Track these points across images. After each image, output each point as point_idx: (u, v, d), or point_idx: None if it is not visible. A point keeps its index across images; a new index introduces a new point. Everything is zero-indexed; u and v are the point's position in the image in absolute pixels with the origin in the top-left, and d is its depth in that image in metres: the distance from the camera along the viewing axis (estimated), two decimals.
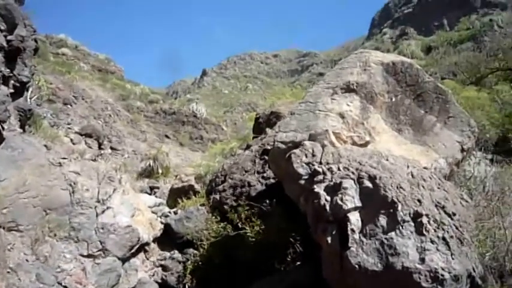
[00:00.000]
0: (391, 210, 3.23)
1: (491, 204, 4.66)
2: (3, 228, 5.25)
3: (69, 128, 15.24)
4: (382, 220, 3.24)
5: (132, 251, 6.37)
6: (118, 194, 6.97)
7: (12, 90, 6.81)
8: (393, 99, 5.04)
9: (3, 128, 6.05)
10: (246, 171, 7.17)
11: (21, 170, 5.94)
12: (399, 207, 3.22)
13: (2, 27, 6.09)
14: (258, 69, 73.41)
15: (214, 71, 73.15)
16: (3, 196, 5.46)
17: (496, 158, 7.82)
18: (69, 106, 17.14)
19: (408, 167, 3.75)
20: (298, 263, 4.73)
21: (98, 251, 5.89)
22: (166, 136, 22.27)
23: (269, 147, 6.35)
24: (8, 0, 6.30)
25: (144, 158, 15.74)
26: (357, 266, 3.10)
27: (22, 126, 7.51)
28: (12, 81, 6.88)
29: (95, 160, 12.81)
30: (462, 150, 5.06)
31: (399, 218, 3.17)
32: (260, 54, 78.78)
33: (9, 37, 6.37)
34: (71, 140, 14.54)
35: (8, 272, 4.83)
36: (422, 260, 2.94)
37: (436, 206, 3.32)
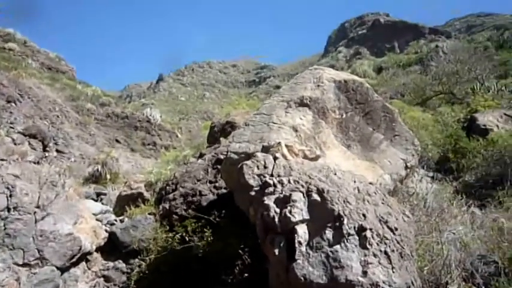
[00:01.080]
0: (337, 224, 3.31)
1: (430, 220, 4.92)
2: None
3: (11, 128, 14.33)
4: (329, 233, 3.31)
5: (73, 260, 6.04)
6: (60, 199, 6.60)
7: None
8: (344, 116, 5.22)
9: None
10: (198, 180, 7.07)
11: None
12: (345, 221, 3.30)
13: None
14: (215, 77, 73.38)
15: (171, 76, 72.19)
16: None
17: (437, 175, 8.31)
18: (13, 104, 16.11)
19: (355, 181, 3.87)
20: (246, 274, 4.70)
21: (35, 259, 5.53)
22: (117, 141, 21.50)
23: (222, 157, 6.33)
24: None
25: (92, 162, 15.10)
26: (302, 278, 3.13)
27: None
28: None
29: (38, 163, 12.14)
30: (406, 167, 5.31)
31: (344, 232, 3.25)
32: (218, 63, 78.87)
33: None
34: (13, 140, 13.68)
35: None
36: (364, 273, 3.03)
37: (379, 220, 3.45)
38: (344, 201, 3.43)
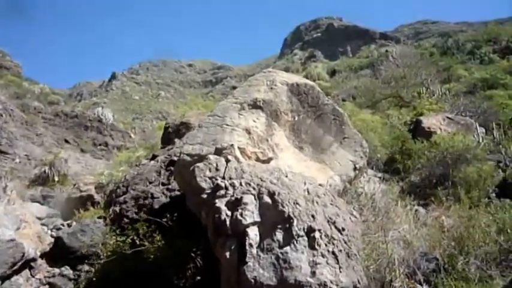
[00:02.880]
0: (287, 225, 3.36)
1: (377, 219, 5.14)
2: None
3: None
4: (279, 235, 3.36)
5: (15, 267, 5.71)
6: (2, 204, 6.23)
7: None
8: (296, 118, 5.33)
9: None
10: (150, 182, 6.93)
11: None
12: (295, 223, 3.37)
13: None
14: (171, 77, 72.13)
15: (124, 75, 70.02)
16: None
17: (385, 176, 8.67)
18: None
19: (305, 183, 3.96)
20: (198, 278, 4.68)
21: None
22: (66, 141, 20.57)
23: (176, 159, 6.24)
24: None
25: (38, 163, 14.40)
26: (252, 280, 3.16)
27: None
28: None
29: None
30: (355, 168, 5.51)
31: (294, 233, 3.31)
32: (174, 62, 77.59)
33: None
34: None
35: None
36: (313, 274, 3.10)
37: (328, 221, 3.55)
38: (294, 203, 3.50)
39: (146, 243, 5.06)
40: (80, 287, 5.83)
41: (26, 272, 6.08)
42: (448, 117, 12.14)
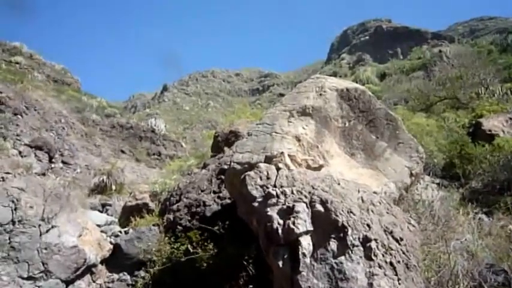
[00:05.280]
0: (342, 235, 3.27)
1: (437, 228, 4.86)
2: None
3: (18, 140, 14.45)
4: (333, 244, 3.27)
5: (78, 273, 6.02)
6: (65, 211, 6.60)
7: None
8: (347, 124, 5.20)
9: None
10: (202, 191, 7.06)
11: None
12: (349, 232, 3.27)
13: None
14: (219, 86, 73.63)
15: (175, 86, 72.54)
16: None
17: (443, 182, 8.22)
18: (19, 116, 16.24)
19: (359, 191, 3.84)
20: (251, 286, 4.66)
21: (40, 272, 5.52)
22: (122, 151, 21.56)
23: (226, 167, 6.31)
24: None
25: (97, 173, 15.13)
26: None
27: None
28: None
29: (44, 174, 12.21)
30: (411, 175, 5.26)
31: (349, 243, 3.21)
32: (222, 72, 79.19)
33: None
34: (20, 152, 13.79)
35: None
36: (370, 285, 2.98)
37: (384, 231, 3.41)
38: (348, 212, 3.40)
39: (199, 251, 5.14)
40: None
41: (87, 277, 6.38)
42: (511, 119, 11.33)
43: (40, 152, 14.87)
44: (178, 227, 6.49)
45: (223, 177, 6.69)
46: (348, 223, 3.31)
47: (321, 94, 5.25)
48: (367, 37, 63.79)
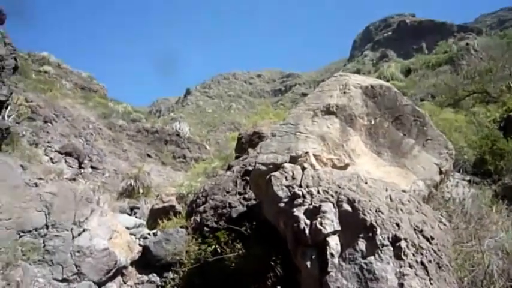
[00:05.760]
0: (370, 234, 3.22)
1: (469, 227, 4.71)
2: None
3: (49, 147, 14.95)
4: (361, 244, 3.22)
5: (109, 275, 6.16)
6: (95, 215, 6.78)
7: None
8: (372, 122, 5.11)
9: None
10: (227, 192, 7.10)
11: None
12: (378, 231, 3.21)
13: None
14: (241, 88, 73.95)
15: (198, 90, 73.36)
16: None
17: (474, 179, 7.97)
18: (49, 124, 16.81)
19: (387, 190, 3.77)
20: (278, 287, 4.65)
21: (73, 275, 5.68)
22: (148, 155, 21.97)
23: (250, 168, 6.32)
24: None
25: (125, 177, 15.47)
26: None
27: None
28: None
29: (74, 179, 12.57)
30: (440, 172, 5.12)
31: (378, 242, 3.16)
32: (244, 74, 79.51)
33: None
34: (51, 159, 14.25)
35: None
36: (401, 286, 2.92)
37: (414, 229, 3.33)
38: (376, 211, 3.34)
39: (227, 251, 5.17)
40: None
41: (118, 279, 6.53)
42: None
43: (70, 158, 15.34)
44: (205, 228, 6.55)
45: (248, 178, 6.71)
46: (376, 222, 3.25)
47: (344, 92, 5.19)
48: (390, 33, 62.69)
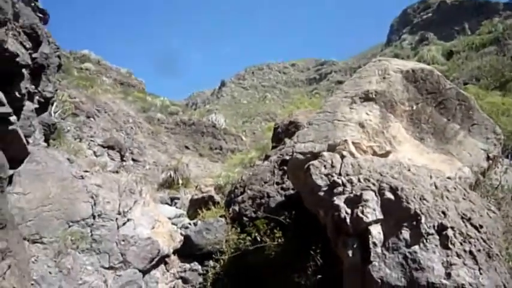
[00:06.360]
0: (414, 223, 3.13)
1: None
2: (28, 240, 5.34)
3: (92, 141, 15.56)
4: (405, 233, 3.14)
5: (153, 263, 6.38)
6: (139, 205, 7.02)
7: (36, 106, 7.01)
8: (414, 107, 4.93)
9: (28, 143, 6.21)
10: (265, 182, 7.12)
11: (45, 183, 6.06)
12: (423, 220, 3.11)
13: (28, 46, 6.26)
14: (276, 78, 73.50)
15: (232, 81, 73.63)
16: (28, 209, 5.58)
17: None
18: (92, 119, 17.49)
19: (431, 177, 3.64)
20: (319, 276, 4.63)
21: (119, 263, 5.91)
22: (186, 147, 22.42)
23: (288, 158, 6.30)
24: (33, 20, 6.48)
25: (164, 169, 15.88)
26: (379, 280, 3.01)
27: (46, 140, 7.71)
28: (36, 97, 7.09)
29: (117, 172, 13.04)
30: (488, 158, 4.89)
31: (423, 231, 3.06)
32: (277, 64, 78.92)
33: (34, 55, 6.55)
34: (94, 152, 14.85)
35: (32, 285, 4.89)
36: (448, 275, 2.83)
37: (461, 218, 3.20)
38: (421, 199, 3.24)
39: (267, 240, 5.20)
40: (208, 282, 6.24)
41: (161, 267, 6.74)
42: None
43: (112, 151, 15.90)
44: (244, 218, 6.62)
45: (285, 168, 6.69)
46: (421, 210, 3.15)
47: (384, 77, 5.03)
48: (429, 14, 60.01)
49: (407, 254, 3.02)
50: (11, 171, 5.37)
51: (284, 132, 9.83)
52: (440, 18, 56.17)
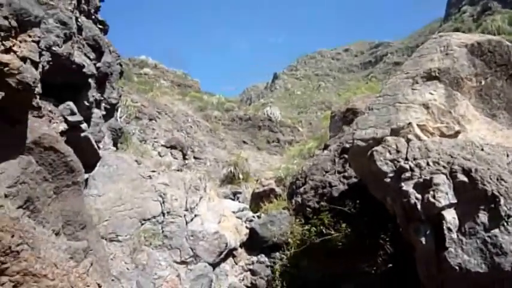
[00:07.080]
0: (493, 205, 2.93)
1: None
2: (106, 239, 5.75)
3: (155, 142, 16.29)
4: (483, 216, 2.96)
5: (221, 256, 6.58)
6: (204, 201, 7.26)
7: (104, 112, 7.48)
8: (482, 83, 4.60)
9: (99, 147, 6.66)
10: (326, 172, 7.03)
11: (117, 184, 6.48)
12: (502, 201, 2.91)
13: (91, 57, 6.69)
14: (329, 66, 72.05)
15: (285, 73, 73.33)
16: (104, 210, 5.99)
17: None
18: (154, 121, 18.29)
19: (508, 155, 3.38)
20: (390, 265, 4.51)
21: (190, 257, 6.17)
22: (244, 142, 22.73)
23: (348, 146, 6.16)
24: (95, 31, 6.90)
25: (225, 165, 16.22)
26: (457, 267, 2.87)
27: (115, 144, 8.21)
28: (103, 104, 7.55)
29: (180, 170, 13.57)
30: None
31: (503, 214, 2.87)
32: (330, 51, 77.28)
33: (98, 64, 6.98)
34: (159, 153, 15.54)
35: (113, 280, 5.26)
36: None
37: None
38: (498, 179, 3.03)
39: (332, 232, 5.15)
40: (276, 273, 6.31)
41: (230, 260, 6.93)
42: None
43: (175, 151, 16.55)
44: (307, 209, 6.59)
45: (346, 156, 6.56)
46: (499, 192, 2.95)
47: (447, 53, 4.73)
48: None
49: (487, 238, 2.85)
50: (86, 175, 5.79)
51: (342, 120, 9.63)
52: None
